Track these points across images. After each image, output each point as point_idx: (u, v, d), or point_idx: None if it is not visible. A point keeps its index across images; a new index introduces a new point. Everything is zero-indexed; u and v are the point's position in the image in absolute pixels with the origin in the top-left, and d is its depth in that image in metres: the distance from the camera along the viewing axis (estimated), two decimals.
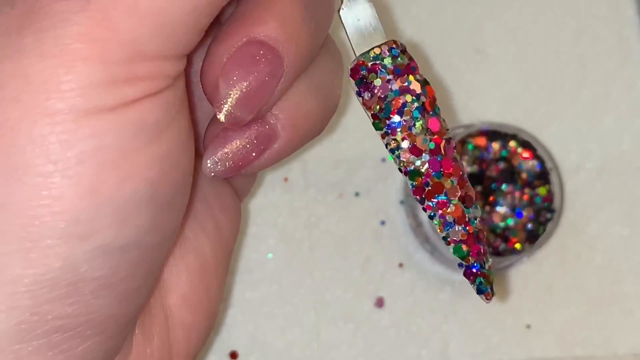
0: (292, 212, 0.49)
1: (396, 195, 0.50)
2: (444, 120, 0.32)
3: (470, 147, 0.48)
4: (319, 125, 0.36)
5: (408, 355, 0.48)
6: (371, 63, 0.32)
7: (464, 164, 0.47)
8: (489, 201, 0.47)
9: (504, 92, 0.52)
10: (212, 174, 0.33)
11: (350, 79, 0.32)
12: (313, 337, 0.47)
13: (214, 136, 0.33)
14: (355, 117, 0.50)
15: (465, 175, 0.32)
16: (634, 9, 0.54)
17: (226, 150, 0.33)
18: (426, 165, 0.32)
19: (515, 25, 0.53)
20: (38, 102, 0.26)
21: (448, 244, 0.32)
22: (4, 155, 0.26)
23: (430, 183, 0.32)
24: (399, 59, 0.32)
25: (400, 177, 0.49)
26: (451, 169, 0.32)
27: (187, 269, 0.37)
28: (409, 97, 0.32)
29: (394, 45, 0.32)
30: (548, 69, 0.53)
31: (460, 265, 0.33)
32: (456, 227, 0.32)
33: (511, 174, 0.48)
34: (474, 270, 0.33)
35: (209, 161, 0.33)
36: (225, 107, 0.31)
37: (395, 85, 0.32)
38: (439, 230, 0.32)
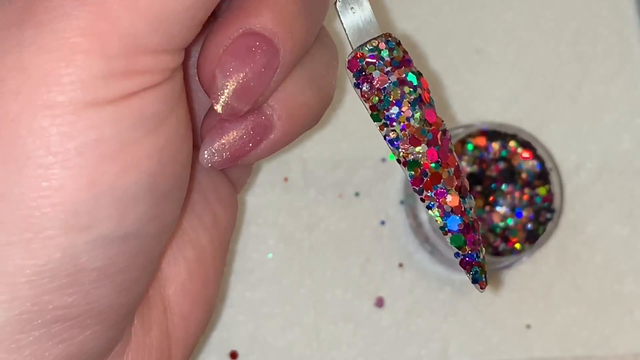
0: (292, 212, 0.49)
1: (396, 195, 0.50)
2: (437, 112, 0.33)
3: (470, 147, 0.48)
4: (314, 116, 0.36)
5: (408, 355, 0.48)
6: (369, 55, 0.33)
7: (464, 164, 0.48)
8: (488, 201, 0.48)
9: (504, 92, 0.52)
10: (210, 165, 0.34)
11: (348, 71, 0.33)
12: (313, 337, 0.48)
13: (210, 127, 0.34)
14: (356, 117, 0.50)
15: (460, 166, 0.33)
16: (634, 9, 0.54)
17: (223, 141, 0.34)
18: (425, 156, 0.32)
19: (515, 25, 0.53)
20: (38, 95, 0.26)
21: (445, 234, 0.33)
22: (5, 147, 0.27)
23: (429, 173, 0.32)
24: (395, 51, 0.33)
25: (400, 177, 0.50)
26: (448, 159, 0.32)
27: (185, 260, 0.37)
28: (407, 89, 0.32)
29: (389, 38, 0.33)
30: (548, 69, 0.53)
31: (456, 255, 0.33)
32: (454, 216, 0.33)
33: (511, 174, 0.48)
34: (470, 259, 0.33)
35: (206, 152, 0.34)
36: (222, 99, 0.32)
37: (394, 77, 0.32)
38: (437, 221, 0.33)
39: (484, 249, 0.34)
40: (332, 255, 0.49)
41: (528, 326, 0.49)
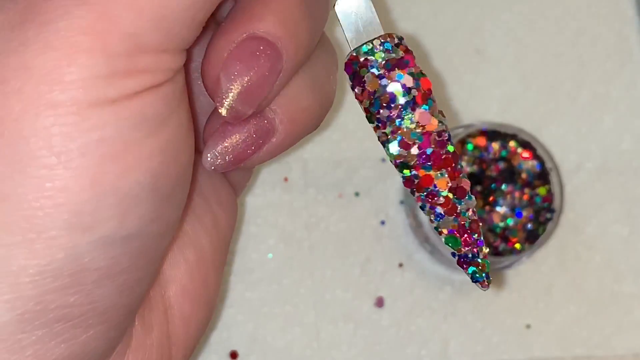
0: (292, 212, 0.49)
1: (396, 195, 0.50)
2: (440, 112, 0.33)
3: (470, 147, 0.48)
4: (315, 120, 0.37)
5: (408, 355, 0.48)
6: (363, 58, 0.33)
7: (464, 164, 0.48)
8: (488, 201, 0.48)
9: (504, 92, 0.53)
10: (212, 168, 0.35)
11: (345, 73, 0.34)
12: (313, 337, 0.48)
13: (213, 130, 0.35)
14: (355, 117, 0.51)
15: (459, 167, 0.33)
16: (634, 9, 0.54)
17: (226, 144, 0.34)
18: (415, 158, 0.33)
19: (515, 25, 0.54)
20: (41, 94, 0.27)
21: (440, 233, 0.33)
22: (9, 147, 0.27)
23: (420, 176, 0.33)
24: (391, 53, 0.33)
25: (400, 176, 0.50)
26: (440, 161, 0.33)
27: (186, 262, 0.38)
28: (397, 92, 0.33)
29: (387, 39, 0.33)
30: (548, 69, 0.53)
31: (453, 254, 0.34)
32: (446, 218, 0.33)
33: (511, 174, 0.48)
34: (466, 259, 0.34)
35: (209, 155, 0.34)
36: (227, 102, 0.32)
37: (385, 81, 0.33)
38: (430, 222, 0.33)
39: (485, 249, 0.34)
40: (332, 255, 0.49)
41: (528, 326, 0.49)
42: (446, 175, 0.33)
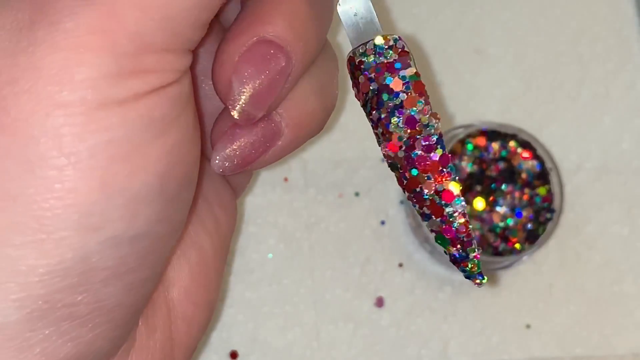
0: (292, 212, 0.50)
1: (396, 195, 0.51)
2: (434, 114, 0.34)
3: (470, 147, 0.49)
4: (319, 123, 0.37)
5: (408, 355, 0.49)
6: (358, 59, 0.34)
7: (464, 164, 0.48)
8: (488, 201, 0.48)
9: (504, 92, 0.53)
10: (221, 170, 0.35)
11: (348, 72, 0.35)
12: (313, 337, 0.48)
13: (221, 134, 0.35)
14: (356, 117, 0.51)
15: (448, 170, 0.34)
16: (634, 9, 0.55)
17: (234, 147, 0.35)
18: (402, 160, 0.33)
19: (515, 25, 0.54)
20: (50, 94, 0.27)
21: (431, 232, 0.34)
22: (19, 147, 0.27)
23: (408, 177, 0.34)
24: (384, 55, 0.34)
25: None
26: (426, 164, 0.33)
27: (189, 264, 0.38)
28: (385, 95, 0.33)
29: (382, 42, 0.34)
30: (548, 69, 0.53)
31: (445, 252, 0.35)
32: (434, 218, 0.34)
33: (511, 174, 0.49)
34: (456, 258, 0.34)
35: (217, 158, 0.35)
36: (239, 105, 0.33)
37: (375, 84, 0.34)
38: (421, 221, 0.34)
39: (476, 249, 0.35)
40: (332, 255, 0.50)
41: (528, 326, 0.50)
42: (432, 179, 0.34)
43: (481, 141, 0.49)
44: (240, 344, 0.48)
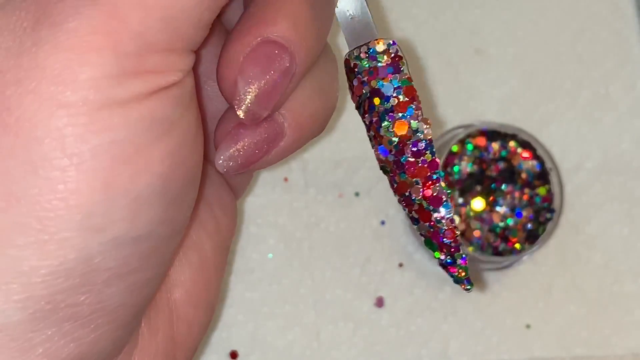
0: (292, 212, 0.50)
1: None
2: (425, 119, 0.34)
3: (470, 147, 0.49)
4: (321, 124, 0.38)
5: (408, 355, 0.49)
6: (352, 62, 0.34)
7: (464, 164, 0.49)
8: (488, 201, 0.49)
9: (504, 92, 0.53)
10: (225, 170, 0.36)
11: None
12: (313, 337, 0.49)
13: (225, 133, 0.36)
14: (356, 118, 0.50)
15: (436, 176, 0.34)
16: (633, 9, 0.55)
17: (238, 147, 0.35)
18: (392, 164, 0.34)
19: (515, 25, 0.54)
20: (53, 95, 0.28)
21: (421, 236, 0.35)
22: (22, 148, 0.28)
23: (397, 181, 0.34)
24: (377, 59, 0.34)
25: None
26: (414, 170, 0.34)
27: (190, 266, 0.39)
28: (376, 100, 0.34)
29: (375, 45, 0.34)
30: (548, 69, 0.54)
31: (435, 257, 0.35)
32: (422, 223, 0.34)
33: (511, 174, 0.49)
34: (445, 263, 0.35)
35: (222, 158, 0.35)
36: (245, 105, 0.33)
37: (367, 88, 0.34)
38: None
39: (463, 254, 0.35)
40: (332, 255, 0.50)
41: (528, 326, 0.50)
42: (420, 184, 0.34)
43: (481, 141, 0.49)
44: (240, 344, 0.48)
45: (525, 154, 0.49)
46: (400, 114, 0.34)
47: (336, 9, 0.35)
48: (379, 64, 0.34)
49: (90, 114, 0.28)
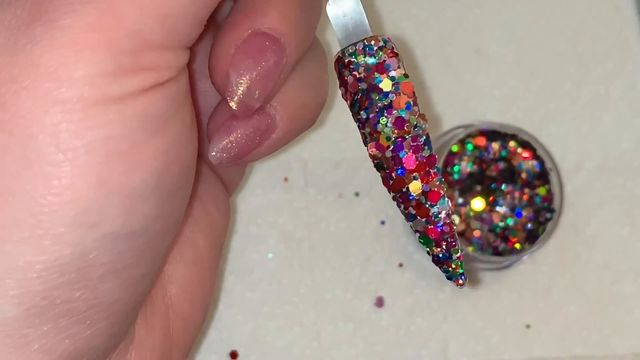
0: (292, 212, 0.50)
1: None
2: (422, 115, 0.35)
3: (470, 147, 0.49)
4: (312, 117, 0.38)
5: (408, 355, 0.49)
6: (347, 59, 0.35)
7: (464, 164, 0.49)
8: (488, 201, 0.49)
9: (504, 92, 0.53)
10: (218, 162, 0.36)
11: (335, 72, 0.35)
12: (313, 337, 0.49)
13: (218, 126, 0.36)
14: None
15: (434, 171, 0.34)
16: (633, 9, 0.55)
17: (231, 138, 0.36)
18: (389, 161, 0.34)
19: (515, 25, 0.54)
20: (48, 91, 0.28)
21: (415, 232, 0.35)
22: (17, 144, 0.28)
23: (394, 177, 0.34)
24: (374, 56, 0.34)
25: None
26: (413, 165, 0.34)
27: (184, 262, 0.39)
28: (374, 95, 0.34)
29: (371, 42, 0.35)
30: (548, 69, 0.54)
31: (428, 253, 0.35)
32: (418, 219, 0.34)
33: (511, 174, 0.49)
34: (440, 259, 0.35)
35: (215, 149, 0.36)
36: (237, 96, 0.34)
37: (364, 84, 0.34)
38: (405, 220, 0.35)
39: (459, 249, 0.35)
40: (332, 255, 0.50)
41: (528, 326, 0.50)
42: (418, 179, 0.34)
43: (481, 141, 0.49)
44: (240, 344, 0.48)
45: (525, 154, 0.49)
46: (398, 110, 0.34)
47: (328, 7, 0.36)
48: (376, 60, 0.35)
49: (85, 110, 0.28)
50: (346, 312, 0.49)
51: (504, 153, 0.49)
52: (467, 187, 0.49)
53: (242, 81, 0.34)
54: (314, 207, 0.50)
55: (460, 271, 0.35)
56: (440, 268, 0.35)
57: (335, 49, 0.36)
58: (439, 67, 0.53)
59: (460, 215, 0.48)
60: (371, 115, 0.34)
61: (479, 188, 0.49)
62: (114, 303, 0.31)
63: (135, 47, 0.29)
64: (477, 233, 0.48)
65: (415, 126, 0.34)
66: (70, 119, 0.28)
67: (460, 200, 0.49)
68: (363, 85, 0.34)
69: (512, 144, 0.49)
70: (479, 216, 0.49)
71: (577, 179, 0.52)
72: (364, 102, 0.34)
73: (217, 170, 0.42)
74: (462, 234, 0.48)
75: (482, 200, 0.49)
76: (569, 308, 0.50)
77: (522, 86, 0.53)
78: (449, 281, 0.36)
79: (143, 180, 0.30)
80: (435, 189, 0.34)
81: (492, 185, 0.49)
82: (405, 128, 0.34)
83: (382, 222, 0.51)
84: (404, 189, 0.34)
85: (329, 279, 0.50)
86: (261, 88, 0.34)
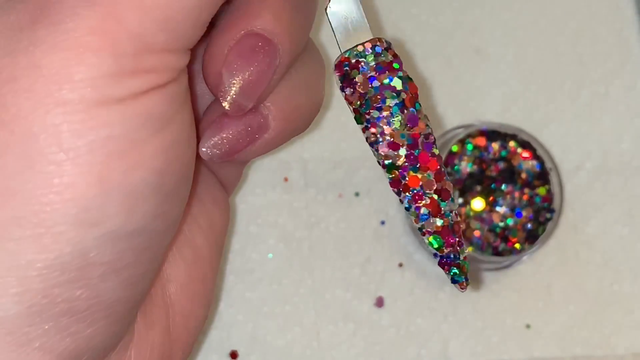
0: (292, 212, 0.50)
1: (396, 195, 0.51)
2: (425, 116, 0.35)
3: (470, 147, 0.49)
4: (305, 119, 0.39)
5: (408, 355, 0.49)
6: (354, 60, 0.35)
7: (464, 164, 0.49)
8: (488, 201, 0.49)
9: (504, 92, 0.53)
10: (209, 158, 0.36)
11: (335, 74, 0.35)
12: (313, 337, 0.49)
13: (210, 122, 0.36)
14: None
15: (443, 170, 0.35)
16: (633, 9, 0.55)
17: (223, 135, 0.36)
18: (403, 159, 0.34)
19: (515, 25, 0.54)
20: (50, 93, 0.28)
21: (423, 234, 0.35)
22: (19, 143, 0.28)
23: (407, 177, 0.34)
24: (382, 56, 0.35)
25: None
26: (428, 163, 0.34)
27: (184, 261, 0.39)
28: (388, 94, 0.34)
29: (377, 43, 0.35)
30: (548, 69, 0.54)
31: (435, 255, 0.35)
32: (431, 219, 0.35)
33: (511, 174, 0.49)
34: (448, 260, 0.35)
35: (205, 145, 0.36)
36: (229, 96, 0.34)
37: (376, 82, 0.34)
38: (414, 222, 0.35)
39: (465, 250, 0.36)
40: (332, 255, 0.50)
41: (528, 326, 0.50)
42: (432, 177, 0.34)
43: (481, 141, 0.49)
44: (240, 344, 0.49)
45: (525, 154, 0.49)
46: (410, 109, 0.34)
47: (329, 9, 0.36)
48: (386, 60, 0.35)
49: (87, 111, 0.28)
50: (346, 312, 0.49)
51: (504, 153, 0.49)
52: (467, 187, 0.49)
53: (234, 81, 0.34)
54: (314, 207, 0.51)
55: (467, 271, 0.35)
56: (447, 270, 0.35)
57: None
58: (439, 67, 0.53)
59: (460, 215, 0.48)
60: (384, 114, 0.34)
61: (478, 188, 0.49)
62: (114, 302, 0.32)
63: (137, 50, 0.29)
64: (477, 233, 0.49)
65: (426, 125, 0.35)
66: (71, 120, 0.28)
67: (460, 200, 0.49)
68: (375, 84, 0.34)
69: (512, 144, 0.50)
70: (478, 216, 0.49)
71: (577, 179, 0.52)
72: (376, 102, 0.34)
73: (215, 170, 0.43)
74: (462, 233, 0.48)
75: (482, 200, 0.49)
76: (569, 308, 0.50)
77: (522, 86, 0.54)
78: (453, 283, 0.36)
79: (143, 179, 0.30)
80: (446, 187, 0.35)
81: (492, 185, 0.49)
82: (419, 125, 0.34)
83: (382, 222, 0.51)
84: (418, 188, 0.34)
85: (329, 279, 0.50)
86: (254, 88, 0.34)
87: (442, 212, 0.35)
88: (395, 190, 0.35)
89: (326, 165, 0.51)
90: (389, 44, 0.35)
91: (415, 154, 0.34)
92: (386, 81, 0.35)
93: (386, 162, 0.35)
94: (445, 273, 0.36)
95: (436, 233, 0.35)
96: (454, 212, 0.35)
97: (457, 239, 0.35)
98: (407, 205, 0.35)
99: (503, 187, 0.49)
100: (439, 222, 0.35)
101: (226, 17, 0.34)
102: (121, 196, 0.29)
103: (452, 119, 0.53)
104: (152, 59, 0.30)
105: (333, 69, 0.36)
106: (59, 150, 0.28)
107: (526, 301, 0.50)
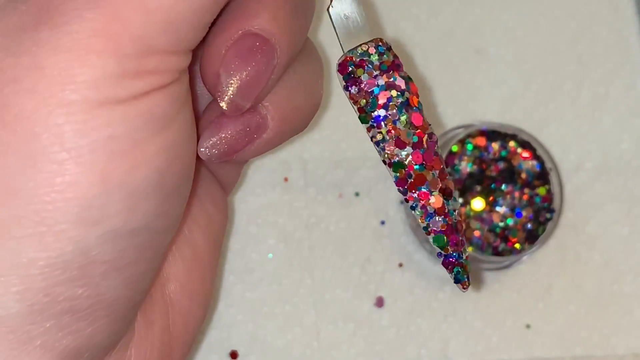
0: (292, 212, 0.50)
1: (396, 195, 0.51)
2: (425, 116, 0.35)
3: (470, 147, 0.49)
4: (304, 120, 0.39)
5: (408, 355, 0.49)
6: (359, 59, 0.35)
7: (464, 164, 0.49)
8: (488, 201, 0.49)
9: (504, 92, 0.53)
10: (207, 158, 0.37)
11: (338, 74, 0.36)
12: (313, 337, 0.49)
13: (209, 122, 0.37)
14: (355, 118, 0.50)
15: (445, 169, 0.35)
16: (633, 9, 0.55)
17: (222, 135, 0.36)
18: (409, 158, 0.34)
19: (515, 25, 0.54)
20: (53, 93, 0.28)
21: (428, 233, 0.35)
22: (21, 143, 0.28)
23: (413, 175, 0.35)
24: (385, 56, 0.35)
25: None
26: (433, 162, 0.35)
27: (183, 260, 0.40)
28: (394, 92, 0.35)
29: (380, 43, 0.35)
30: (548, 69, 0.54)
31: (439, 254, 0.36)
32: (436, 217, 0.35)
33: (511, 174, 0.49)
34: (452, 259, 0.35)
35: (204, 145, 0.36)
36: (227, 96, 0.34)
37: (382, 81, 0.35)
38: (420, 221, 0.35)
39: (467, 249, 0.36)
40: (332, 255, 0.50)
41: (528, 326, 0.50)
42: (437, 175, 0.35)
43: (481, 141, 0.50)
44: (240, 344, 0.49)
45: (525, 154, 0.50)
46: (414, 107, 0.35)
47: (330, 9, 0.36)
48: (390, 60, 0.35)
49: (89, 111, 0.29)
50: (346, 312, 0.49)
51: (504, 153, 0.49)
52: (467, 187, 0.49)
53: (232, 81, 0.34)
54: (314, 207, 0.51)
55: (469, 271, 0.36)
56: (451, 270, 0.36)
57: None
58: (439, 67, 0.53)
59: (460, 215, 0.49)
60: (390, 112, 0.35)
61: (478, 188, 0.49)
62: (115, 300, 0.32)
63: (140, 52, 0.30)
64: (477, 233, 0.49)
65: (429, 124, 0.35)
66: (74, 120, 0.28)
67: (460, 200, 0.49)
68: (381, 82, 0.35)
69: (512, 144, 0.50)
70: (478, 216, 0.49)
71: (577, 179, 0.53)
72: (383, 100, 0.35)
73: (214, 170, 0.43)
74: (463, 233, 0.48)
75: (482, 200, 0.49)
76: (569, 308, 0.51)
77: (522, 86, 0.54)
78: (454, 284, 0.36)
79: (145, 178, 0.30)
80: (449, 186, 0.35)
81: (492, 185, 0.49)
82: (424, 124, 0.35)
83: (382, 222, 0.51)
84: (424, 187, 0.35)
85: (329, 279, 0.50)
86: (251, 88, 0.34)
87: (447, 210, 0.35)
88: (401, 189, 0.35)
89: (326, 165, 0.51)
90: (388, 44, 0.36)
91: (421, 152, 0.35)
92: (391, 80, 0.35)
93: (393, 160, 0.35)
94: (449, 272, 0.36)
95: (441, 232, 0.35)
96: (456, 211, 0.35)
97: (460, 238, 0.35)
98: (413, 205, 0.35)
99: (503, 187, 0.49)
100: (444, 220, 0.35)
101: (223, 16, 0.35)
102: (123, 195, 0.30)
103: (452, 119, 0.53)
104: (154, 60, 0.30)
105: (336, 68, 0.36)
106: (61, 150, 0.28)
107: (526, 301, 0.51)
